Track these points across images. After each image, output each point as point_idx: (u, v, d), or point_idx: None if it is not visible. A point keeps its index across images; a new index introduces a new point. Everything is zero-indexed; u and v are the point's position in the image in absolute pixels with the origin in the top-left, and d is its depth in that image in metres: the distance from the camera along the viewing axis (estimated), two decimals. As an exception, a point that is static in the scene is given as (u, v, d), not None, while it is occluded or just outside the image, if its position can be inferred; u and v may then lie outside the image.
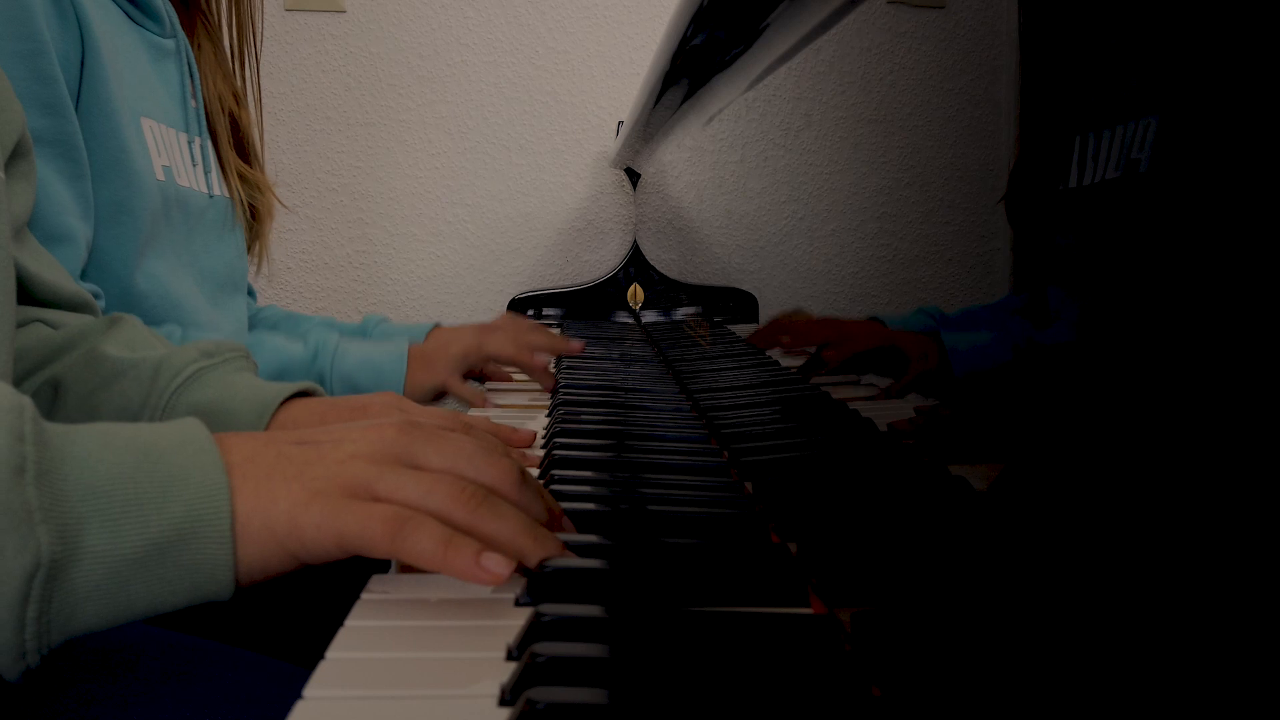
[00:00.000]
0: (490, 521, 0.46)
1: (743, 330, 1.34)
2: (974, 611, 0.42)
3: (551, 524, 0.51)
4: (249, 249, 1.14)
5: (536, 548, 0.46)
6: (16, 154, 0.67)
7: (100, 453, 0.42)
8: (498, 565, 0.44)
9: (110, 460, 0.42)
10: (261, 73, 1.15)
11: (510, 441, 0.72)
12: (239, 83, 1.12)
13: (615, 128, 1.73)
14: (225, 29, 1.11)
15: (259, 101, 1.15)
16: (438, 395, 1.03)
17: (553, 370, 1.10)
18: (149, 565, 0.41)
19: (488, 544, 0.45)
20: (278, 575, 0.45)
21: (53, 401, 0.67)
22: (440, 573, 0.44)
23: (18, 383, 0.68)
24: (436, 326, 1.18)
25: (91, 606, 0.40)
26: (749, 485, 0.64)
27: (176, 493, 0.42)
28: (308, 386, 0.69)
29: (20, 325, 0.70)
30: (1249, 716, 0.27)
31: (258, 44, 1.13)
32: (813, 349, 0.96)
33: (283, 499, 0.44)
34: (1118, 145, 0.33)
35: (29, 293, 0.70)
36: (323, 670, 0.40)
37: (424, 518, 0.44)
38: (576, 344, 1.10)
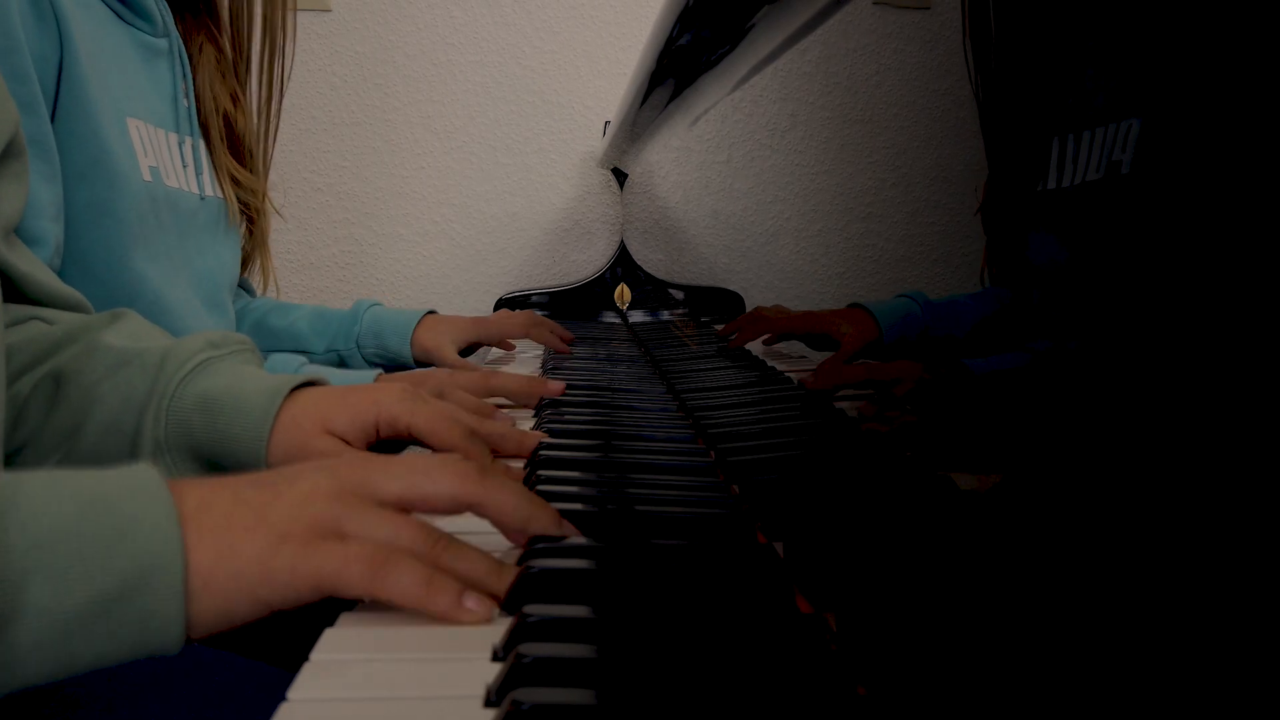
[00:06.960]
0: (454, 565, 0.45)
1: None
2: (960, 611, 0.42)
3: (533, 517, 0.51)
4: (249, 259, 1.15)
5: (502, 586, 0.46)
6: (9, 154, 0.66)
7: (46, 503, 0.40)
8: (479, 605, 0.44)
9: (56, 511, 0.40)
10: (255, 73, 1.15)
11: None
12: (265, 91, 1.13)
13: (602, 128, 1.73)
14: (248, 37, 1.11)
15: (278, 109, 1.16)
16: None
17: (540, 371, 1.10)
18: (95, 621, 0.39)
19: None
20: (243, 624, 0.43)
21: (55, 394, 0.66)
22: (421, 611, 0.43)
23: (16, 378, 0.67)
24: (431, 313, 1.19)
25: (33, 664, 0.38)
26: (736, 486, 0.64)
27: (124, 545, 0.40)
28: (314, 376, 0.69)
29: (17, 323, 0.69)
30: (1237, 709, 0.28)
31: (286, 58, 1.14)
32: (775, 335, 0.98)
33: (246, 545, 0.42)
34: (1099, 147, 0.33)
35: (22, 293, 0.69)
36: (307, 672, 0.40)
37: (402, 555, 0.43)
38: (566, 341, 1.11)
